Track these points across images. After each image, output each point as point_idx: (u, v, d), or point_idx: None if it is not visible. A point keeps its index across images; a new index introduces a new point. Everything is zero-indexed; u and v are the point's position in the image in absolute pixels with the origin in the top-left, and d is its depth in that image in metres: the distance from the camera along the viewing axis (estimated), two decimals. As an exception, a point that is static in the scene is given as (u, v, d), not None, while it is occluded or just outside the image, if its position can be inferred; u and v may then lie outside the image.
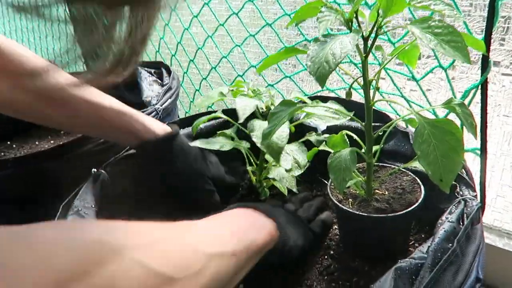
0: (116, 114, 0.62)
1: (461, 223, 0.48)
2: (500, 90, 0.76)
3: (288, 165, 0.59)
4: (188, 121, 0.79)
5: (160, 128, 0.66)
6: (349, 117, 0.55)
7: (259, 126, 0.60)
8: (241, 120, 0.59)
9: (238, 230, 0.44)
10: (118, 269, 0.26)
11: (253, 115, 0.64)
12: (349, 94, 0.47)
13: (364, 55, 0.44)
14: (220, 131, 0.71)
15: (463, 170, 0.58)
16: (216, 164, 0.73)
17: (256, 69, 0.54)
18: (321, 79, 0.34)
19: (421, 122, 0.40)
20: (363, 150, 0.54)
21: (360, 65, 0.47)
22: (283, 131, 0.57)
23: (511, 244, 0.87)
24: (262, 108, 0.69)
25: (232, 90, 0.69)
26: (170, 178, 0.67)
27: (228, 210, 0.51)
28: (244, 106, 0.60)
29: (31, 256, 0.21)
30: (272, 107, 0.70)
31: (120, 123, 0.62)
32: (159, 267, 0.30)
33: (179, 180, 0.67)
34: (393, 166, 0.61)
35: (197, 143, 0.69)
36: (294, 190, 0.65)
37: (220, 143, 0.68)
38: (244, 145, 0.71)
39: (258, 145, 0.58)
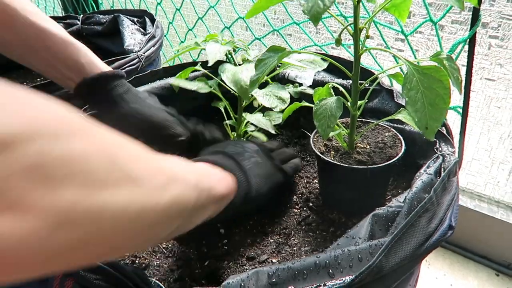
0: (62, 42, 0.58)
1: (439, 176, 0.49)
2: (486, 53, 0.77)
3: (273, 103, 0.59)
4: (172, 71, 0.77)
5: (107, 67, 0.62)
6: (326, 65, 0.54)
7: (229, 69, 0.60)
8: (210, 63, 0.59)
9: (200, 174, 0.41)
10: (83, 147, 0.23)
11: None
12: (338, 41, 0.46)
13: (356, 0, 0.43)
14: (198, 78, 0.70)
15: (443, 127, 0.59)
16: (175, 112, 0.68)
17: (245, 15, 0.52)
18: (315, 17, 0.33)
19: (410, 69, 0.40)
20: (348, 104, 0.54)
21: (351, 19, 0.46)
22: (250, 73, 0.57)
23: (481, 206, 0.90)
24: (238, 60, 0.69)
25: (206, 40, 0.67)
26: (124, 118, 0.61)
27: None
28: (214, 50, 0.60)
29: None
30: (248, 57, 0.69)
31: (65, 54, 0.58)
32: (124, 163, 0.27)
33: (134, 118, 0.61)
34: (376, 122, 0.62)
35: (176, 81, 0.68)
36: (272, 131, 0.65)
37: (198, 85, 0.67)
38: (224, 101, 0.70)
39: (227, 83, 0.58)
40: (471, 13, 0.52)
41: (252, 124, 0.68)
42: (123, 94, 0.61)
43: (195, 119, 0.72)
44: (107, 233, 0.25)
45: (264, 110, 0.70)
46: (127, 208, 0.26)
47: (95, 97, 0.61)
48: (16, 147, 0.20)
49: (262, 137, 0.70)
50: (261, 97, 0.61)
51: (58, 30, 0.58)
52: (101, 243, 0.25)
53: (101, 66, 0.61)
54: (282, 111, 0.64)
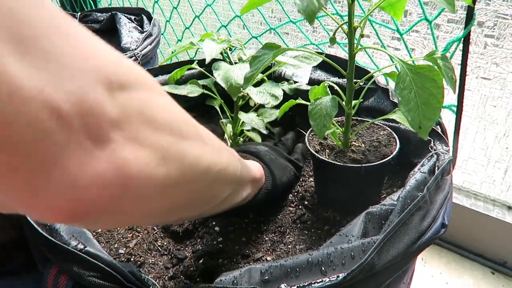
0: None
1: (432, 174, 0.49)
2: (482, 52, 0.77)
3: (266, 100, 0.59)
4: (168, 69, 0.77)
5: None
6: (321, 60, 0.55)
7: (223, 67, 0.61)
8: (207, 61, 0.60)
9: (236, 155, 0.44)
10: (169, 101, 0.27)
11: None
12: (333, 39, 0.46)
13: (350, -1, 0.43)
14: (192, 80, 0.70)
15: (438, 126, 0.59)
16: None
17: (241, 10, 0.52)
18: (310, 16, 0.33)
19: (403, 68, 0.40)
20: (343, 103, 0.54)
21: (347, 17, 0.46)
22: (243, 72, 0.58)
23: (477, 204, 0.91)
24: (234, 59, 0.70)
25: (201, 39, 0.68)
26: None
27: None
28: (210, 49, 0.61)
29: (80, 48, 0.21)
30: (244, 57, 0.69)
31: None
32: (194, 123, 0.30)
33: None
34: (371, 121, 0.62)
35: (166, 88, 0.68)
36: (263, 131, 0.65)
37: (189, 89, 0.67)
38: (219, 100, 0.70)
39: (218, 81, 0.59)
40: (466, 12, 0.52)
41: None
42: None
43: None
44: (190, 178, 0.28)
45: (259, 108, 0.70)
46: (199, 160, 0.29)
47: None
48: (131, 90, 0.23)
49: (256, 138, 0.70)
50: (254, 94, 0.61)
51: None
52: (172, 197, 0.28)
53: None
54: (277, 108, 0.64)
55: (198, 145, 0.29)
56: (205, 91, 0.68)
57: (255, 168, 0.49)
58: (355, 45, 0.48)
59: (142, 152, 0.23)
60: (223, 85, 0.59)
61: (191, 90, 0.67)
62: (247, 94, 0.65)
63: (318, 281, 0.36)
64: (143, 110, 0.23)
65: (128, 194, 0.22)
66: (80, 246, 0.40)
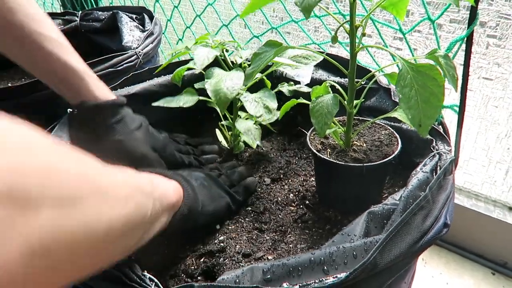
0: (68, 69, 0.58)
1: (435, 174, 0.49)
2: (484, 52, 0.77)
3: (259, 112, 0.58)
4: (170, 68, 0.77)
5: (104, 94, 0.61)
6: (322, 59, 0.55)
7: (217, 74, 0.59)
8: (198, 69, 0.59)
9: (154, 183, 0.42)
10: (54, 163, 0.23)
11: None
12: (334, 38, 0.46)
13: (353, -3, 0.43)
14: (186, 89, 0.70)
15: (440, 126, 0.59)
16: (164, 141, 0.67)
17: (241, 13, 0.52)
18: (307, 9, 0.33)
19: (404, 66, 0.40)
20: (345, 103, 0.54)
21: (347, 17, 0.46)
22: (236, 82, 0.56)
23: (478, 205, 0.91)
24: (232, 61, 0.69)
25: (196, 42, 0.67)
26: (107, 148, 0.60)
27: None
28: (202, 56, 0.60)
29: None
30: (239, 60, 0.69)
31: (68, 79, 0.58)
32: (93, 177, 0.27)
33: (116, 150, 0.60)
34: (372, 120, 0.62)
35: (161, 103, 0.68)
36: (258, 142, 0.65)
37: (184, 100, 0.67)
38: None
39: (208, 92, 0.57)
40: (469, 12, 0.52)
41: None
42: (114, 124, 0.60)
43: (183, 140, 0.73)
44: (81, 251, 0.24)
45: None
46: (98, 222, 0.26)
47: (85, 124, 0.60)
48: None
49: (253, 142, 0.70)
50: (249, 102, 0.60)
51: (66, 55, 0.58)
52: (76, 262, 0.25)
53: (100, 94, 0.61)
54: (278, 107, 0.64)
55: (93, 206, 0.25)
56: (201, 98, 0.68)
57: (171, 191, 0.47)
58: (356, 44, 0.48)
59: (3, 250, 0.19)
60: (212, 97, 0.57)
61: (186, 100, 0.66)
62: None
63: (320, 280, 0.36)
64: (8, 188, 0.19)
65: None
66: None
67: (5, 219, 0.19)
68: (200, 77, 0.74)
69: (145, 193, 0.35)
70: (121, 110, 0.62)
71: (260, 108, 0.58)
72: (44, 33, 0.57)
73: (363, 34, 0.47)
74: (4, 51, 0.57)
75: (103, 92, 0.61)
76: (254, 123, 0.67)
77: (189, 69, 0.75)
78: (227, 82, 0.57)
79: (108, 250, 0.29)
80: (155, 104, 0.68)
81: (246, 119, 0.70)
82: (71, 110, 0.61)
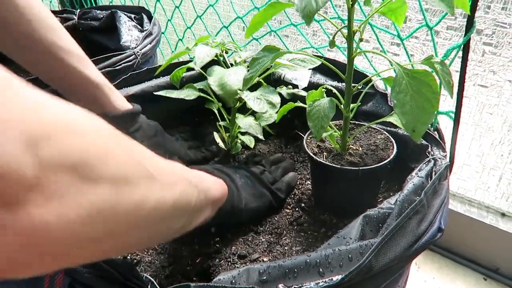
0: (86, 83, 0.59)
1: (430, 179, 0.49)
2: (480, 60, 0.78)
3: (264, 108, 0.59)
4: (168, 69, 0.77)
5: (123, 105, 0.63)
6: (319, 63, 0.55)
7: (218, 71, 0.61)
8: (198, 67, 0.60)
9: (200, 177, 0.44)
10: (113, 146, 0.26)
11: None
12: (332, 42, 0.47)
13: (350, 2, 0.43)
14: (187, 84, 0.70)
15: (435, 132, 0.60)
16: (177, 142, 0.71)
17: (245, 33, 0.52)
18: (308, 16, 0.33)
19: (400, 72, 0.40)
20: (341, 107, 0.55)
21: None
22: (239, 76, 0.58)
23: (471, 211, 0.91)
24: (231, 62, 0.70)
25: (196, 44, 0.68)
26: None
27: None
28: (203, 54, 0.61)
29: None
30: (238, 59, 0.70)
31: (86, 92, 0.60)
32: (144, 162, 0.29)
33: None
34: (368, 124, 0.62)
35: (162, 93, 0.68)
36: (260, 137, 0.65)
37: (185, 93, 0.67)
38: (216, 103, 0.71)
39: (213, 87, 0.59)
40: (465, 19, 0.52)
41: None
42: (133, 132, 0.62)
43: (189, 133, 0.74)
44: (130, 226, 0.27)
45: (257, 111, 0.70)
46: (146, 202, 0.28)
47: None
48: (58, 140, 0.21)
49: (250, 143, 0.70)
50: (252, 100, 0.61)
51: (87, 69, 0.59)
52: (124, 236, 0.27)
53: (119, 104, 0.62)
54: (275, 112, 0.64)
55: (143, 187, 0.28)
56: (202, 95, 0.68)
57: (216, 186, 0.48)
58: (354, 49, 0.49)
59: (64, 213, 0.21)
60: (217, 91, 0.59)
61: (188, 94, 0.67)
62: (238, 99, 0.66)
63: (316, 282, 0.36)
64: (76, 161, 0.22)
65: (48, 253, 0.22)
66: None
67: (70, 185, 0.21)
68: (199, 78, 0.75)
69: (190, 183, 0.37)
70: (138, 118, 0.64)
71: (264, 104, 0.59)
72: (63, 47, 0.57)
73: (361, 39, 0.47)
74: (22, 64, 0.57)
75: (121, 102, 0.63)
76: (255, 119, 0.68)
77: (188, 69, 0.75)
78: (231, 76, 0.59)
79: (153, 229, 0.31)
80: (157, 93, 0.69)
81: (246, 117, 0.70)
82: None
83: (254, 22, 0.50)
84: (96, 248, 0.25)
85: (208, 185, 0.45)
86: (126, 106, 0.63)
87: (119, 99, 0.63)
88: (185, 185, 0.35)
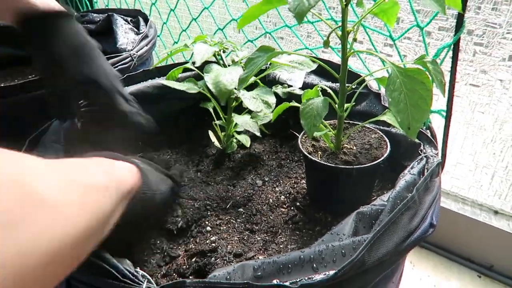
0: None
1: (422, 176, 0.50)
2: (471, 60, 0.79)
3: (259, 107, 0.60)
4: (164, 70, 0.78)
5: (48, 5, 0.55)
6: (315, 66, 0.56)
7: (215, 70, 0.62)
8: (197, 64, 0.60)
9: (106, 170, 0.40)
10: None
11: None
12: (326, 42, 0.47)
13: (344, 3, 0.44)
14: (188, 79, 0.72)
15: (427, 130, 0.61)
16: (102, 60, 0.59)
17: (237, 24, 0.53)
18: (300, 15, 0.34)
19: (394, 71, 0.41)
20: (336, 106, 0.56)
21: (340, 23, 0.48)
22: (234, 76, 0.59)
23: (465, 209, 0.92)
24: (229, 62, 0.71)
25: (194, 42, 0.69)
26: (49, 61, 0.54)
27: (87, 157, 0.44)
28: (202, 51, 0.62)
29: None
30: (236, 58, 0.71)
31: None
32: (35, 188, 0.25)
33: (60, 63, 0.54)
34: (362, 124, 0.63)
35: (165, 82, 0.69)
36: (257, 134, 0.66)
37: (187, 86, 0.68)
38: (212, 102, 0.71)
39: (208, 85, 0.59)
40: (455, 20, 0.53)
41: None
42: (68, 32, 0.54)
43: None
44: (37, 271, 0.23)
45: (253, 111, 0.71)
46: (51, 239, 0.24)
47: (33, 33, 0.54)
48: None
49: (246, 142, 0.71)
50: (248, 99, 0.62)
51: None
52: (33, 281, 0.23)
53: (40, 5, 0.54)
54: (271, 111, 0.65)
55: (45, 219, 0.24)
56: (202, 90, 0.69)
57: (129, 174, 0.45)
58: (348, 49, 0.50)
59: None
60: (212, 89, 0.59)
61: (190, 87, 0.68)
62: (233, 98, 0.67)
63: (309, 277, 0.37)
64: None
65: None
66: (75, 241, 0.40)
67: None
68: (195, 79, 0.75)
69: (100, 191, 0.34)
70: (73, 21, 0.57)
71: (260, 103, 0.60)
72: None
73: (355, 39, 0.48)
74: None
75: (46, 1, 0.55)
76: (251, 118, 0.69)
77: (184, 70, 0.76)
78: (226, 76, 0.59)
79: (68, 258, 0.28)
80: (162, 81, 0.70)
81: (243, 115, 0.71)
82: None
83: (248, 14, 0.50)
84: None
85: (120, 177, 0.41)
86: (54, 6, 0.55)
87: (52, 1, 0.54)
88: (95, 198, 0.32)
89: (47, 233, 0.24)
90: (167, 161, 0.66)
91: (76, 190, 0.29)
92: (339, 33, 0.48)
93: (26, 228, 0.22)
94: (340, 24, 0.48)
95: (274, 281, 0.37)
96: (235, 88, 0.59)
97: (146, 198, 0.47)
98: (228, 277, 0.37)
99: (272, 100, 0.63)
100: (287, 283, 0.36)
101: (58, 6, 0.56)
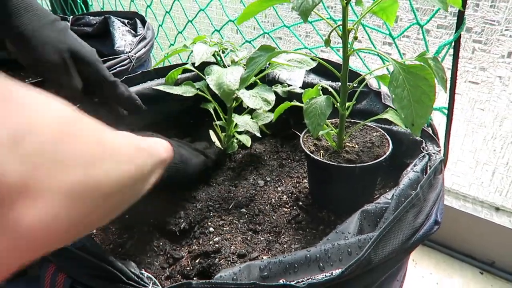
0: None
1: (425, 174, 0.50)
2: (470, 57, 0.79)
3: (258, 104, 0.60)
4: (162, 72, 0.78)
5: None
6: (315, 64, 0.56)
7: (216, 71, 0.62)
8: (196, 64, 0.61)
9: (147, 142, 0.46)
10: (77, 132, 0.27)
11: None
12: (327, 41, 0.47)
13: (345, 1, 0.44)
14: (185, 82, 0.71)
15: (429, 127, 0.61)
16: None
17: (236, 20, 0.53)
18: (304, 13, 0.34)
19: (396, 67, 0.41)
20: (337, 105, 0.56)
21: (340, 22, 0.47)
22: (236, 76, 0.59)
23: (466, 206, 0.93)
24: (228, 62, 0.71)
25: (194, 42, 0.69)
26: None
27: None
28: (201, 51, 0.62)
29: None
30: (236, 58, 0.71)
31: None
32: (106, 142, 0.31)
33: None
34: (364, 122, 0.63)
35: (161, 87, 0.69)
36: (257, 134, 0.66)
37: (184, 90, 0.68)
38: (213, 103, 0.71)
39: (211, 87, 0.60)
40: (455, 18, 0.53)
41: None
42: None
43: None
44: (105, 201, 0.29)
45: (253, 110, 0.71)
46: (109, 178, 0.30)
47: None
48: (34, 136, 0.23)
49: (247, 141, 0.71)
50: (247, 97, 0.62)
51: None
52: (102, 209, 0.30)
53: None
54: (271, 111, 0.65)
55: (111, 164, 0.30)
56: (200, 93, 0.69)
57: (162, 148, 0.50)
58: (349, 47, 0.50)
59: (45, 205, 0.23)
60: (215, 90, 0.59)
61: (186, 90, 0.68)
62: (236, 98, 0.66)
63: (316, 276, 0.37)
64: (50, 155, 0.24)
65: (48, 245, 0.24)
66: (78, 244, 0.40)
67: (49, 178, 0.23)
68: (194, 80, 0.75)
69: (143, 153, 0.40)
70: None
71: (259, 101, 0.60)
72: None
73: (355, 38, 0.48)
74: None
75: None
76: (252, 118, 0.69)
77: (184, 71, 0.76)
78: (228, 76, 0.60)
79: (120, 198, 0.34)
80: (155, 87, 0.70)
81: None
82: None
83: (247, 11, 0.51)
84: (84, 224, 0.28)
85: (156, 147, 0.48)
86: None
87: None
88: (139, 156, 0.38)
89: (108, 174, 0.30)
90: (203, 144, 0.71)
91: (127, 148, 0.36)
92: (340, 32, 0.48)
93: (99, 167, 0.28)
94: (339, 23, 0.48)
95: (281, 281, 0.37)
96: (237, 89, 0.59)
97: (179, 169, 0.55)
98: (234, 277, 0.37)
99: (272, 97, 0.63)
100: (293, 283, 0.36)
101: None
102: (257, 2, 0.52)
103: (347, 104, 0.56)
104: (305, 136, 0.61)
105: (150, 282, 0.38)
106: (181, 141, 0.63)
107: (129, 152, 0.36)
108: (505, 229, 0.87)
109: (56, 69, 0.55)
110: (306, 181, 0.67)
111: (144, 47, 0.89)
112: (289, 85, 0.76)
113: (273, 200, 0.63)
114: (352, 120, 0.64)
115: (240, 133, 0.74)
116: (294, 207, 0.63)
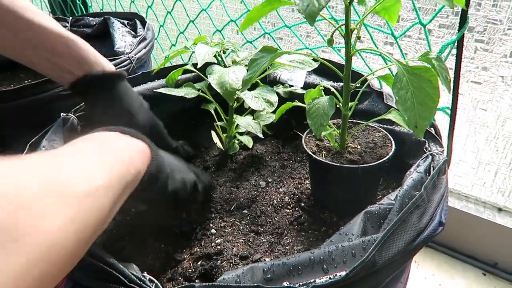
0: (59, 37, 0.54)
1: (428, 174, 0.50)
2: (473, 57, 0.79)
3: (261, 106, 0.59)
4: (163, 72, 0.78)
5: (110, 65, 0.59)
6: (317, 65, 0.56)
7: (218, 70, 0.62)
8: (199, 65, 0.61)
9: (107, 156, 0.39)
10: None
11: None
12: (330, 41, 0.47)
13: (348, 1, 0.44)
14: (187, 83, 0.71)
15: (432, 128, 0.60)
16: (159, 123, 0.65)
17: (239, 27, 0.53)
18: (311, 16, 0.33)
19: (400, 69, 0.40)
20: (340, 105, 0.55)
21: (342, 22, 0.47)
22: (238, 75, 0.59)
23: (468, 206, 0.92)
24: (229, 63, 0.70)
25: (195, 43, 0.69)
26: (115, 117, 0.58)
27: (92, 134, 0.43)
28: (203, 52, 0.62)
29: None
30: (237, 59, 0.70)
31: (66, 49, 0.54)
32: (56, 181, 0.29)
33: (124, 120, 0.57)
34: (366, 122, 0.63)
35: (162, 90, 0.69)
36: (260, 135, 0.66)
37: (185, 91, 0.68)
38: (214, 103, 0.71)
39: (213, 86, 0.59)
40: (457, 17, 0.53)
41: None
42: (122, 94, 0.58)
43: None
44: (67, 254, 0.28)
45: (254, 111, 0.71)
46: (78, 227, 0.28)
47: (92, 95, 0.58)
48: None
49: (249, 142, 0.71)
50: (250, 99, 0.61)
51: (57, 26, 0.55)
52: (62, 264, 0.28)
53: (104, 63, 0.58)
54: (273, 112, 0.64)
55: (65, 213, 0.28)
56: (201, 94, 0.69)
57: (138, 157, 0.43)
58: (351, 47, 0.49)
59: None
60: (218, 90, 0.59)
61: (188, 92, 0.68)
62: (238, 98, 0.66)
63: (320, 278, 0.36)
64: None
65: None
66: (80, 247, 0.39)
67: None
68: (195, 81, 0.75)
69: (96, 193, 0.33)
70: (126, 83, 0.60)
71: (262, 102, 0.60)
72: (23, 5, 0.52)
73: (358, 37, 0.48)
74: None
75: (107, 62, 0.59)
76: (253, 119, 0.68)
77: (184, 71, 0.75)
78: (231, 75, 0.59)
79: (84, 240, 0.31)
80: (157, 90, 0.69)
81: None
82: (64, 114, 0.60)
83: (250, 16, 0.50)
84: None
85: (125, 158, 0.41)
86: (111, 67, 0.59)
87: (105, 60, 0.58)
88: (88, 204, 0.32)
89: (72, 222, 0.28)
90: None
91: (68, 202, 0.30)
92: (342, 31, 0.48)
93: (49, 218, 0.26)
94: (341, 22, 0.47)
95: (285, 283, 0.36)
96: (239, 88, 0.58)
97: (156, 177, 0.46)
98: (237, 280, 0.37)
99: (274, 98, 0.63)
100: (297, 285, 0.36)
101: (113, 67, 0.60)
102: (259, 6, 0.51)
103: (350, 104, 0.55)
104: (307, 137, 0.60)
105: (152, 285, 0.37)
106: (175, 155, 0.56)
107: (88, 187, 0.32)
108: (508, 229, 0.87)
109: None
110: (308, 182, 0.67)
111: (144, 48, 0.89)
112: (290, 86, 0.76)
113: (275, 202, 0.63)
114: (354, 121, 0.64)
115: (241, 133, 0.74)
116: (296, 208, 0.62)
